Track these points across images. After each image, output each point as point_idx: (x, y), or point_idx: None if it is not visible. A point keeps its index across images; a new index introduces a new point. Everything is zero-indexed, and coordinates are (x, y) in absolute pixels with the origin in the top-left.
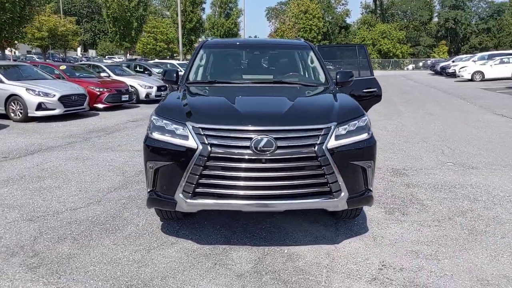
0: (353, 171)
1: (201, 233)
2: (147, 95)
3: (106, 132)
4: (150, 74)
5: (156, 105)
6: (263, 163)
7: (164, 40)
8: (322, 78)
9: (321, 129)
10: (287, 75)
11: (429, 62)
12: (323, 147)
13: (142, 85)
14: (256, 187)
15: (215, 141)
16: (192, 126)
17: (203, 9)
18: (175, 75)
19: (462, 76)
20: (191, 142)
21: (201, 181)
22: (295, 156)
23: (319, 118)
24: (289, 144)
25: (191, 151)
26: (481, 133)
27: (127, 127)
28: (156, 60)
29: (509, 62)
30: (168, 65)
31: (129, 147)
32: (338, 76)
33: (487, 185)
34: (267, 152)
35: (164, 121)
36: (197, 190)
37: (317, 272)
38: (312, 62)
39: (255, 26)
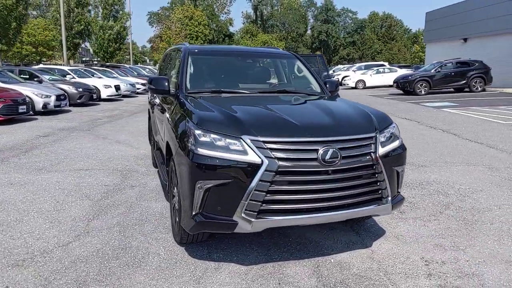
0: (393, 176)
1: (237, 254)
2: (45, 105)
3: (21, 151)
4: (40, 81)
5: (59, 116)
6: (329, 174)
7: (32, 43)
8: (316, 86)
9: (372, 137)
10: (282, 83)
11: None
12: (377, 154)
13: (38, 94)
14: (322, 199)
15: (281, 155)
16: (251, 140)
17: (89, 11)
18: (166, 83)
19: (347, 84)
20: (253, 157)
21: (267, 198)
22: (356, 165)
23: (366, 126)
24: (351, 154)
25: (254, 166)
26: (402, 134)
27: (43, 143)
28: (41, 66)
29: (384, 72)
30: (56, 71)
31: (65, 166)
32: (327, 85)
33: (446, 181)
34: (334, 163)
35: (212, 136)
36: (263, 207)
37: (378, 277)
38: (300, 71)
39: (137, 30)
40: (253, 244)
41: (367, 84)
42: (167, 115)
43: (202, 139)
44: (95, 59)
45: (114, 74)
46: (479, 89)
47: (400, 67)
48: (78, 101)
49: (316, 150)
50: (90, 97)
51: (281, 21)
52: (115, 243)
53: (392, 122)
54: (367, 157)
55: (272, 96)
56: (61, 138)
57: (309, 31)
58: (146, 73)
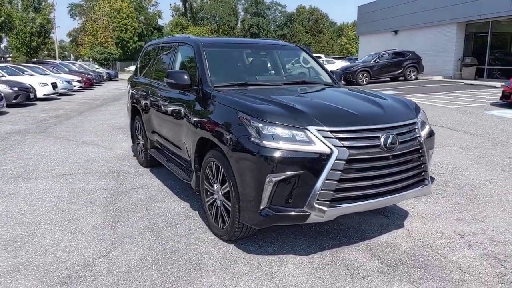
0: (429, 159)
1: (288, 246)
2: None
3: None
4: None
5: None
6: (389, 159)
7: None
8: (326, 77)
9: (415, 122)
10: (297, 75)
11: None
12: (421, 139)
13: None
14: (384, 184)
15: (349, 143)
16: (317, 130)
17: (10, 1)
18: (187, 77)
19: None
20: (321, 147)
21: (338, 186)
22: (409, 149)
23: (410, 113)
24: (405, 139)
25: (323, 156)
26: None
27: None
28: None
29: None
30: None
31: (43, 172)
32: (334, 76)
33: (433, 161)
34: (394, 149)
35: (276, 128)
36: (334, 196)
37: (427, 253)
38: (306, 62)
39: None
40: (298, 234)
41: None
42: (191, 110)
43: (266, 132)
44: (8, 55)
45: (45, 71)
46: (413, 77)
47: (336, 58)
48: (14, 101)
49: (378, 137)
50: (27, 96)
51: (211, 14)
52: (159, 248)
53: (421, 109)
54: (416, 141)
55: (301, 87)
56: (18, 142)
57: (239, 24)
58: (77, 69)
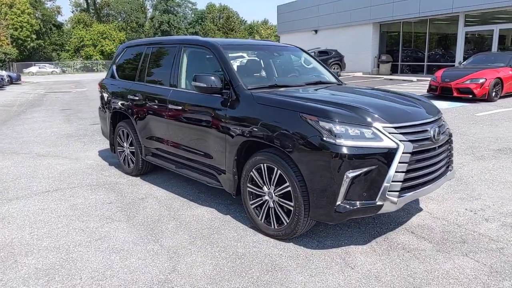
0: None
1: (341, 238)
2: None
3: None
4: None
5: None
6: (436, 150)
7: None
8: (330, 77)
9: (442, 115)
10: (310, 75)
11: None
12: (449, 129)
13: None
14: (433, 171)
15: (410, 138)
16: (383, 127)
17: None
18: (218, 80)
19: None
20: (389, 143)
21: (405, 177)
22: (445, 140)
23: (435, 107)
24: (442, 131)
25: (392, 150)
26: None
27: None
28: None
29: None
30: None
31: (20, 191)
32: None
33: None
34: (439, 140)
35: (346, 127)
36: (402, 186)
37: (458, 229)
38: (308, 63)
39: None
40: (343, 227)
41: None
42: (224, 114)
43: (338, 131)
44: None
45: None
46: (337, 74)
47: None
48: None
49: (427, 131)
50: None
51: (117, 10)
52: (223, 255)
53: None
54: (447, 132)
55: (327, 87)
56: None
57: (148, 22)
58: None
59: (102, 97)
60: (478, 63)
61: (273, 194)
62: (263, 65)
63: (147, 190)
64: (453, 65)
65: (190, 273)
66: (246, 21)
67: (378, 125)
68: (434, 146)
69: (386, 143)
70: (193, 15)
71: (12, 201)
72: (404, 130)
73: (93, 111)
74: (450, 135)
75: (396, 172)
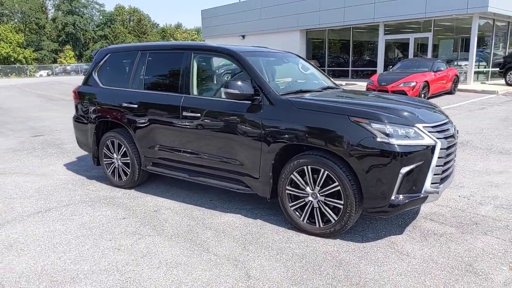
0: None
1: (379, 231)
2: None
3: None
4: None
5: None
6: (455, 145)
7: None
8: (328, 81)
9: None
10: (319, 81)
11: (68, 67)
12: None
13: None
14: (452, 165)
15: (442, 135)
16: (423, 126)
17: None
18: (251, 86)
19: None
20: (429, 140)
21: (442, 169)
22: (456, 136)
23: (442, 110)
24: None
25: (432, 147)
26: None
27: None
28: None
29: None
30: None
31: (8, 212)
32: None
33: None
34: (456, 137)
35: (395, 127)
36: (441, 178)
37: (464, 213)
38: (306, 69)
39: None
40: (372, 220)
41: None
42: (258, 119)
43: (390, 132)
44: None
45: None
46: None
47: None
48: None
49: (449, 129)
50: None
51: (13, 10)
52: (285, 257)
53: None
54: (455, 130)
55: (341, 92)
56: None
57: (48, 23)
58: None
59: (80, 107)
60: (405, 68)
61: (318, 195)
62: (277, 71)
63: (153, 202)
64: (375, 70)
65: (267, 278)
66: (158, 24)
67: (419, 125)
68: (455, 142)
69: (427, 140)
70: (101, 17)
71: (5, 226)
72: (437, 129)
73: (20, 121)
74: (456, 132)
75: (436, 166)
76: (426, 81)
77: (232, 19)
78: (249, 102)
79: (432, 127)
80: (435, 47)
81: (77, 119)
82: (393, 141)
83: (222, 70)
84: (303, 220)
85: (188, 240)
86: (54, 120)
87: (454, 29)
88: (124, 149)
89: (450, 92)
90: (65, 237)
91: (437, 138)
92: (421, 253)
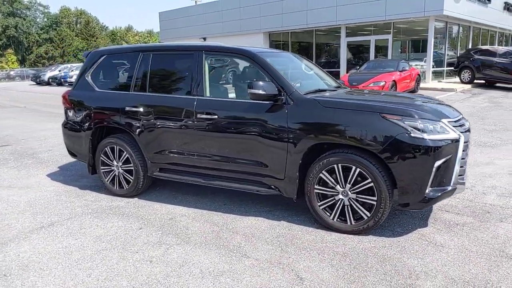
0: None
1: (405, 226)
2: None
3: None
4: None
5: None
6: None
7: None
8: (333, 81)
9: None
10: (329, 80)
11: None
12: None
13: None
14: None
15: (462, 130)
16: (448, 122)
17: None
18: (275, 87)
19: None
20: (454, 135)
21: (464, 161)
22: None
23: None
24: None
25: (456, 141)
26: None
27: None
28: None
29: None
30: None
31: (9, 230)
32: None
33: None
34: (470, 131)
35: (426, 123)
36: (464, 170)
37: (473, 204)
38: (310, 69)
39: None
40: (396, 214)
41: None
42: (283, 119)
43: (422, 127)
44: None
45: None
46: None
47: None
48: None
49: (465, 124)
50: None
51: None
52: (328, 257)
53: None
54: None
55: (355, 91)
56: None
57: None
58: None
59: (72, 113)
60: (372, 69)
61: (349, 192)
62: (290, 71)
63: (164, 209)
64: (338, 71)
65: (321, 278)
66: (107, 27)
67: (444, 120)
68: (469, 136)
69: (453, 135)
70: (45, 20)
71: (9, 245)
72: (458, 123)
73: None
74: None
75: (461, 159)
76: (394, 81)
77: (192, 22)
78: (271, 102)
79: (454, 121)
80: (383, 49)
81: (68, 126)
82: (426, 136)
83: (233, 70)
84: (333, 219)
85: (220, 247)
86: (16, 128)
87: (410, 31)
88: (127, 155)
89: (413, 91)
90: (84, 252)
91: (462, 132)
92: (453, 243)
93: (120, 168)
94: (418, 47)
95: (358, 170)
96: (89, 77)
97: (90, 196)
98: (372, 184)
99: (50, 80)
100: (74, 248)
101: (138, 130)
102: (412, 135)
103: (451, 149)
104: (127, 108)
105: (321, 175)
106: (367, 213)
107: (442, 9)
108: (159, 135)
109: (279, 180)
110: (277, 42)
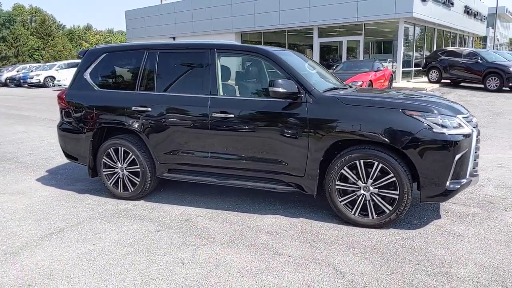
0: None
1: (424, 217)
2: None
3: None
4: None
5: None
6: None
7: None
8: (337, 80)
9: None
10: (334, 80)
11: None
12: None
13: None
14: None
15: (473, 125)
16: (462, 117)
17: None
18: (295, 85)
19: (65, 85)
20: (468, 129)
21: (476, 155)
22: None
23: None
24: None
25: (470, 135)
26: None
27: None
28: None
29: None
30: None
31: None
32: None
33: None
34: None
35: (444, 119)
36: (477, 163)
37: (475, 195)
38: (313, 68)
39: None
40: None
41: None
42: (304, 117)
43: (443, 123)
44: None
45: None
46: None
47: None
48: None
49: (473, 120)
50: None
51: None
52: (359, 251)
53: None
54: None
55: (367, 89)
56: None
57: None
58: None
59: (70, 113)
60: (348, 69)
61: (371, 187)
62: (304, 70)
63: (176, 211)
64: None
65: (360, 271)
66: (64, 25)
67: (459, 116)
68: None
69: (467, 129)
70: None
71: (21, 254)
72: (469, 119)
73: None
74: None
75: (475, 152)
76: (370, 80)
77: (161, 21)
78: (290, 100)
79: (467, 117)
80: (353, 49)
81: (65, 128)
82: (446, 131)
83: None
84: (354, 214)
85: (248, 245)
86: None
87: (377, 32)
88: (132, 156)
89: None
90: (108, 257)
91: (474, 127)
92: (471, 232)
93: (124, 170)
94: (384, 48)
95: (380, 165)
96: (88, 76)
97: (91, 200)
98: (394, 178)
99: (8, 81)
100: (95, 254)
101: (146, 130)
102: (434, 130)
103: (467, 143)
104: (133, 108)
105: (342, 171)
106: (389, 207)
107: (412, 11)
108: (169, 135)
109: (299, 177)
110: (251, 41)
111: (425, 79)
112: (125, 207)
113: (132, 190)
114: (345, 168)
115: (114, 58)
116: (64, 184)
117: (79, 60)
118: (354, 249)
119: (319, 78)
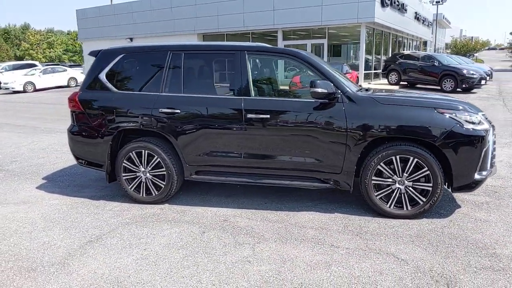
0: None
1: (449, 207)
2: None
3: None
4: None
5: None
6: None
7: None
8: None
9: None
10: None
11: None
12: None
13: None
14: None
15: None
16: (481, 114)
17: None
18: (332, 85)
19: (12, 88)
20: (487, 125)
21: (493, 148)
22: None
23: None
24: None
25: (488, 131)
26: None
27: None
28: None
29: (54, 72)
30: None
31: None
32: None
33: None
34: None
35: (472, 116)
36: (494, 155)
37: (488, 189)
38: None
39: None
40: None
41: (38, 87)
42: (342, 116)
43: (471, 120)
44: None
45: None
46: None
47: (71, 66)
48: None
49: (487, 117)
50: None
51: None
52: (406, 240)
53: None
54: None
55: (390, 90)
56: None
57: None
58: None
59: (85, 117)
60: None
61: (405, 181)
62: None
63: (209, 212)
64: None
65: (419, 257)
66: None
67: (480, 113)
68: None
69: (486, 125)
70: None
71: (71, 265)
72: (485, 116)
73: None
74: None
75: (493, 146)
76: None
77: (117, 20)
78: (325, 100)
79: (484, 114)
80: (316, 53)
81: (78, 131)
82: (474, 127)
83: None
84: (389, 206)
85: (302, 241)
86: None
87: (338, 36)
88: (158, 159)
89: None
90: (168, 261)
91: (490, 124)
92: (494, 218)
93: (147, 174)
94: (335, 51)
95: (415, 160)
96: (104, 77)
97: (111, 206)
98: (428, 172)
99: None
100: (153, 259)
101: (175, 133)
102: (464, 126)
103: (488, 138)
104: (160, 110)
105: (378, 167)
106: (423, 198)
107: (374, 16)
108: (200, 137)
109: (335, 174)
110: None
111: (384, 81)
112: (153, 211)
113: (156, 194)
114: (381, 164)
115: (133, 59)
116: (71, 191)
117: (25, 62)
118: (402, 238)
119: (345, 80)
